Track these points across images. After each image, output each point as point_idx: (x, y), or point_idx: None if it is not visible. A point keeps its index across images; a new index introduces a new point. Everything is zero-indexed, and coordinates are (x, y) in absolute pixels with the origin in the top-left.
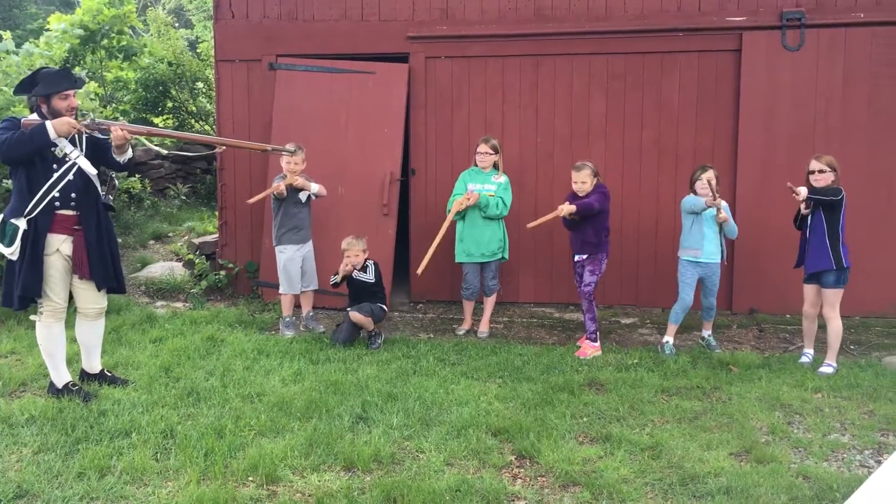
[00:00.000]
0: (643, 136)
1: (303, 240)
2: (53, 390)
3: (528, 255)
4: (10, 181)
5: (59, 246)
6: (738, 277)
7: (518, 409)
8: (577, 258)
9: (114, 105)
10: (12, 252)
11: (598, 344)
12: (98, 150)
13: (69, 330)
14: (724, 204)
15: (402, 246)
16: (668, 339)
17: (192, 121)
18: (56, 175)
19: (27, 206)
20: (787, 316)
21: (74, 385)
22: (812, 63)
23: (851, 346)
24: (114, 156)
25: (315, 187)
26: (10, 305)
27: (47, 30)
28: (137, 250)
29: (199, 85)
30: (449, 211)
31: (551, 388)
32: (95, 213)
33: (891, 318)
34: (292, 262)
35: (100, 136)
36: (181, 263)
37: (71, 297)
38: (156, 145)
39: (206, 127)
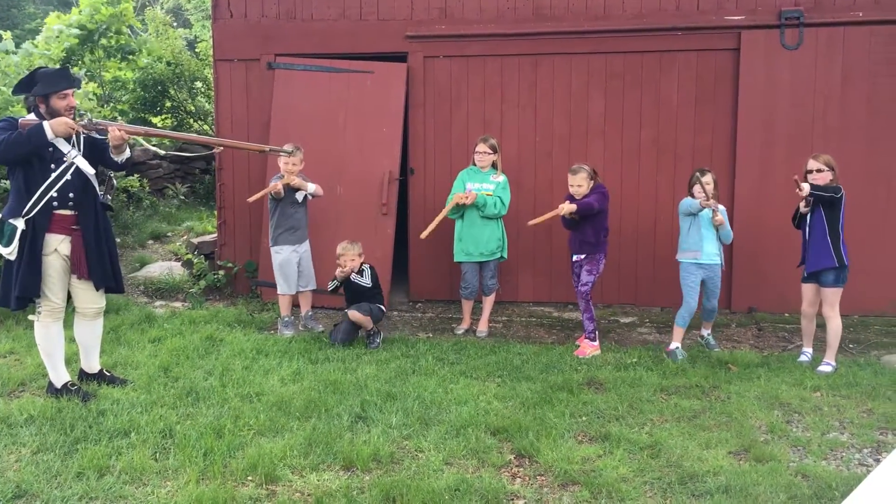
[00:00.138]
0: (642, 136)
1: (299, 240)
2: (52, 390)
3: (526, 254)
4: (7, 181)
5: (58, 246)
6: (737, 276)
7: (517, 408)
8: (575, 258)
9: (112, 105)
10: (10, 252)
11: (596, 343)
12: (96, 150)
13: (68, 330)
14: (721, 207)
15: (401, 245)
16: (676, 344)
17: (191, 120)
18: (54, 175)
19: (25, 206)
20: (786, 315)
21: (73, 385)
22: (811, 62)
23: (850, 345)
24: (112, 156)
25: (312, 187)
26: (8, 305)
27: (40, 30)
28: (136, 250)
29: (198, 84)
30: (449, 202)
31: (550, 387)
32: (93, 213)
33: (889, 316)
34: (289, 262)
35: (97, 136)
36: (180, 263)
37: (69, 296)
38: (153, 145)
39: (205, 126)
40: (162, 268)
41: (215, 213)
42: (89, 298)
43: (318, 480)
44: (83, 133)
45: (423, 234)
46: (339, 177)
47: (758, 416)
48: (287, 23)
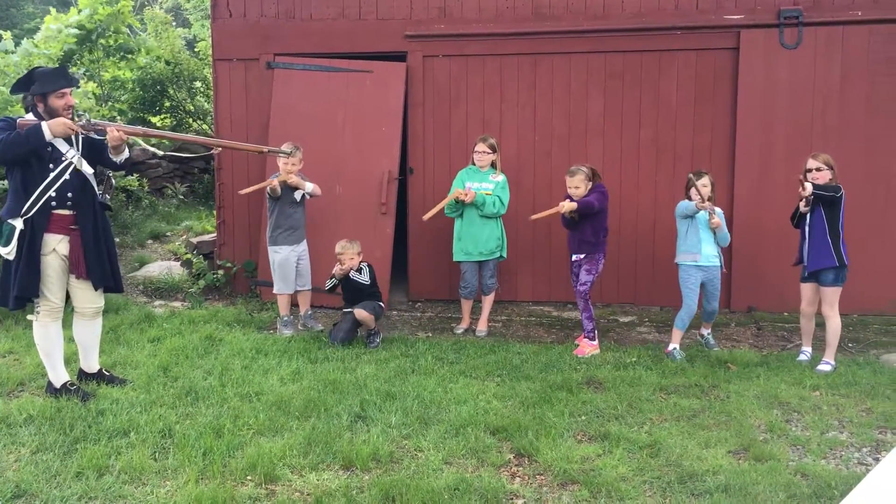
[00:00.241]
0: (641, 135)
1: (297, 240)
2: (51, 390)
3: (526, 253)
4: (6, 181)
5: (56, 245)
6: (737, 276)
7: (516, 407)
8: (574, 257)
9: (110, 104)
10: (9, 252)
11: (596, 342)
12: (94, 150)
13: (67, 329)
14: (718, 210)
15: (401, 245)
16: (675, 345)
17: (190, 120)
18: (52, 175)
19: (24, 206)
20: (785, 314)
21: (72, 385)
22: (810, 61)
23: (849, 344)
24: (110, 156)
25: (310, 186)
26: (6, 305)
27: (40, 29)
28: (135, 249)
29: (197, 84)
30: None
31: (550, 386)
32: (92, 213)
33: (889, 315)
34: (287, 262)
35: (96, 136)
36: (179, 263)
37: (68, 296)
38: (152, 146)
39: (204, 126)
40: (161, 267)
41: (214, 212)
42: (88, 298)
43: (318, 480)
44: (81, 133)
45: (426, 216)
46: (339, 176)
47: (757, 415)
48: (286, 22)
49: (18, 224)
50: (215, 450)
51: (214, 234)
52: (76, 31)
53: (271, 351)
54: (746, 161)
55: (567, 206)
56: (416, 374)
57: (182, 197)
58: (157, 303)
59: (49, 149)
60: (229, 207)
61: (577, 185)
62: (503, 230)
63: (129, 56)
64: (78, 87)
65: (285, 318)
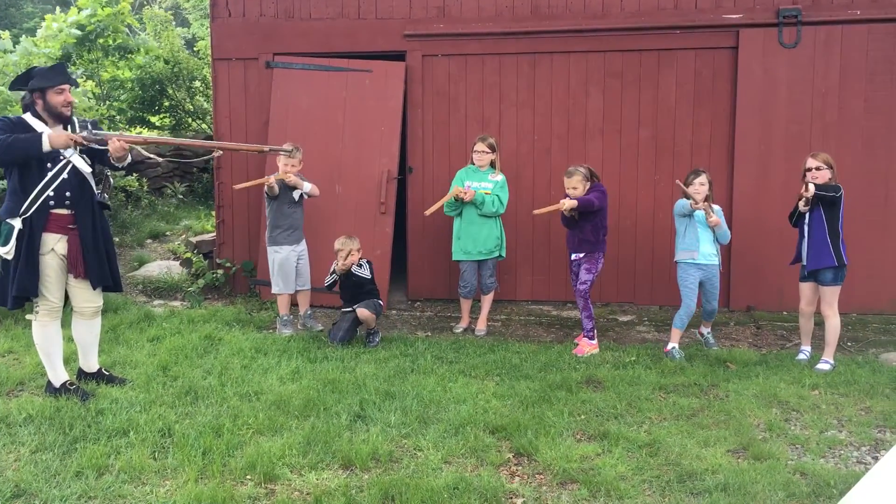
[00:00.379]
0: (640, 134)
1: (297, 240)
2: (51, 389)
3: (525, 252)
4: (4, 181)
5: (55, 245)
6: (736, 275)
7: (516, 406)
8: (573, 256)
9: (109, 103)
10: (7, 251)
11: (595, 342)
12: (95, 150)
13: (66, 329)
14: (716, 208)
15: (400, 244)
16: (674, 344)
17: (189, 120)
18: (50, 174)
19: (22, 206)
20: (784, 313)
21: (72, 384)
22: (808, 60)
23: (848, 343)
24: (112, 162)
25: (308, 186)
26: (5, 305)
27: (39, 29)
28: (135, 249)
29: (197, 84)
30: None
31: (549, 385)
32: (90, 212)
33: (888, 314)
34: (288, 261)
35: (97, 147)
36: (178, 262)
37: (67, 296)
38: (152, 153)
39: (204, 126)
40: (160, 267)
41: (214, 212)
42: (86, 297)
43: (317, 479)
44: (83, 146)
45: (428, 211)
46: (338, 175)
47: (756, 414)
48: (285, 22)
49: (17, 224)
50: (215, 449)
51: (214, 234)
52: (77, 31)
53: (271, 350)
54: (745, 160)
55: (568, 203)
56: (415, 374)
57: (181, 196)
58: (156, 302)
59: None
60: (229, 207)
61: (575, 185)
62: (502, 229)
63: (129, 56)
64: (76, 87)
65: (285, 318)
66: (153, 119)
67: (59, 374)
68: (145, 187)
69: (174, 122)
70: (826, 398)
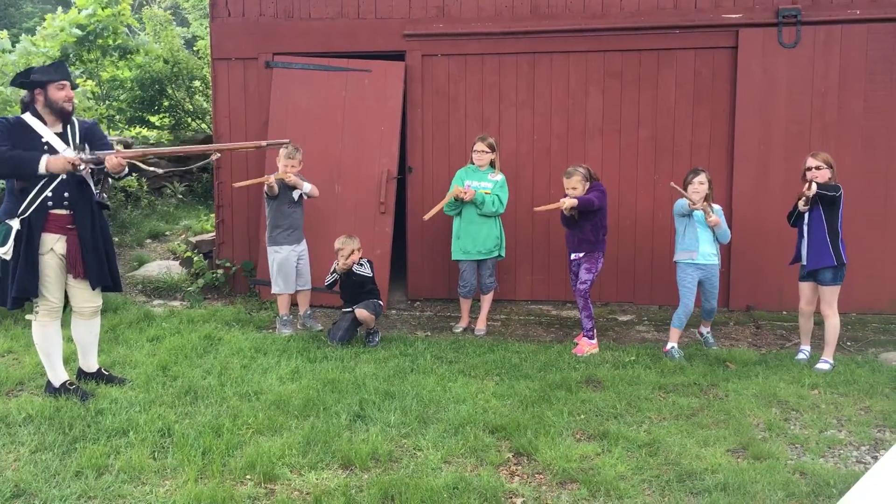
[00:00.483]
0: (640, 134)
1: (297, 240)
2: (51, 389)
3: (525, 252)
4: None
5: (54, 245)
6: (735, 274)
7: (515, 406)
8: (573, 256)
9: (108, 102)
10: (6, 252)
11: (595, 341)
12: (94, 148)
13: (65, 329)
14: (716, 208)
15: (399, 244)
16: (673, 344)
17: (189, 119)
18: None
19: (20, 207)
20: (784, 313)
21: (72, 384)
22: (808, 60)
23: (848, 343)
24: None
25: (307, 186)
26: (4, 305)
27: (38, 29)
28: (134, 249)
29: (196, 83)
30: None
31: (548, 385)
32: (89, 212)
33: (887, 314)
34: (288, 261)
35: (95, 166)
36: (178, 262)
37: (67, 296)
38: (151, 165)
39: (203, 125)
40: (160, 267)
41: (213, 211)
42: (86, 297)
43: (317, 479)
44: (80, 170)
45: (427, 216)
46: (338, 175)
47: (756, 413)
48: (285, 21)
49: (15, 224)
50: (214, 449)
51: (213, 234)
52: (77, 31)
53: (270, 350)
54: (745, 160)
55: (568, 202)
56: (414, 373)
57: (181, 196)
58: (155, 302)
59: (45, 147)
60: (228, 207)
61: (575, 185)
62: (502, 229)
63: (129, 56)
64: (76, 87)
65: (284, 318)
66: (153, 119)
67: (58, 374)
68: (145, 187)
69: (173, 121)
70: (825, 398)
